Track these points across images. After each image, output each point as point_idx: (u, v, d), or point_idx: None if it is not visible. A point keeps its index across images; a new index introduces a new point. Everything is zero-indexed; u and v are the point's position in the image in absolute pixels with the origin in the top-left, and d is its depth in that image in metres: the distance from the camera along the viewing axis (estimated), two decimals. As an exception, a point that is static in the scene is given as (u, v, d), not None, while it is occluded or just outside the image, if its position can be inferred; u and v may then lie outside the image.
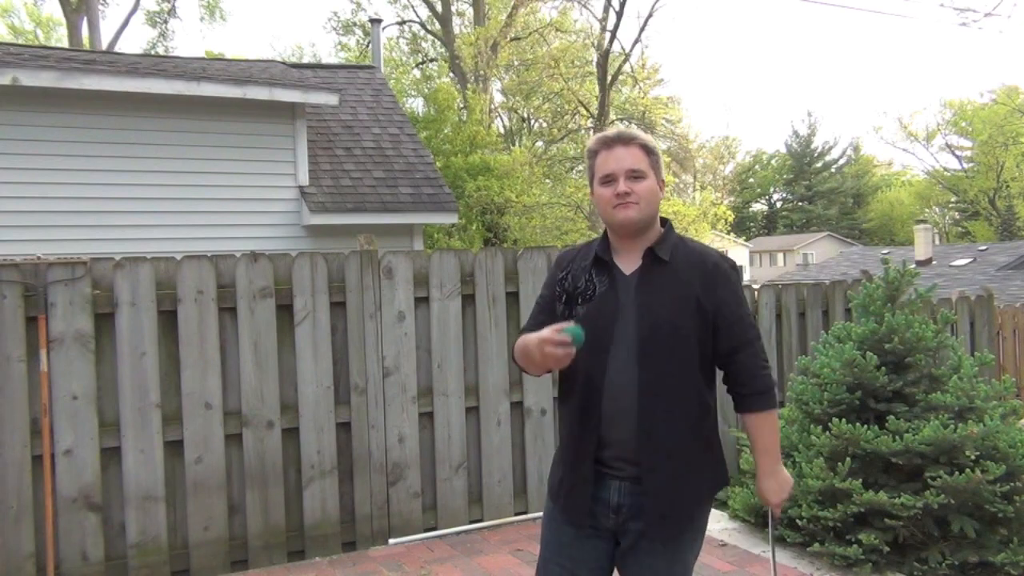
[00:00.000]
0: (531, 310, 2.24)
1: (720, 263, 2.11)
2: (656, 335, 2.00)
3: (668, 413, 2.01)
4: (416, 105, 23.84)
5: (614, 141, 2.07)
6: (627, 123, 30.58)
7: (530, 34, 28.32)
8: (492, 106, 26.15)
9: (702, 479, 2.09)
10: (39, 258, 3.90)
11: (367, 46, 27.43)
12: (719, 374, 2.16)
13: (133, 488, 3.94)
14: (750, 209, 65.73)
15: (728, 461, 5.36)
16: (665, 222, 2.14)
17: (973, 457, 3.83)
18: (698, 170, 40.91)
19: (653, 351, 2.00)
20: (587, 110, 28.24)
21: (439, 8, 26.90)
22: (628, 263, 2.08)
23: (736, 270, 2.16)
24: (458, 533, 4.61)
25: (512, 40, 26.91)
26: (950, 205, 53.91)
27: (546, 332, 1.86)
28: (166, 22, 28.00)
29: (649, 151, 2.08)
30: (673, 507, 2.02)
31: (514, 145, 29.53)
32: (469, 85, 23.05)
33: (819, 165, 61.75)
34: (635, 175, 2.04)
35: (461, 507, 4.69)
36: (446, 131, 18.85)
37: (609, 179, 2.05)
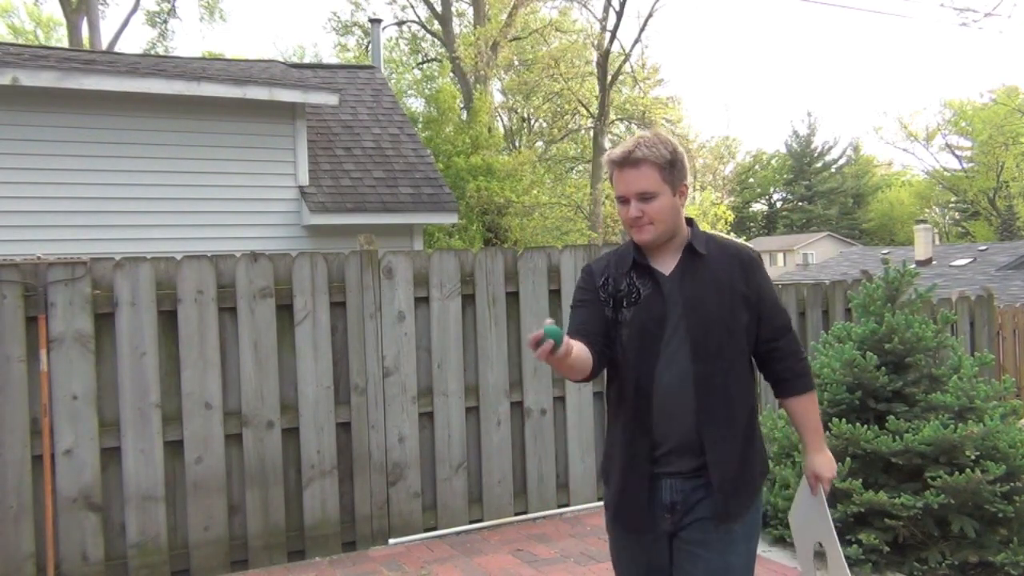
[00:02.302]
0: (570, 317, 2.16)
1: (752, 252, 2.19)
2: (707, 329, 2.04)
3: (725, 405, 2.04)
4: (416, 105, 23.84)
5: (624, 163, 2.05)
6: (627, 123, 30.60)
7: (530, 34, 28.33)
8: (492, 106, 26.12)
9: (755, 466, 2.14)
10: (39, 258, 3.90)
11: (367, 46, 27.44)
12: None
13: (133, 488, 3.94)
14: (750, 209, 65.71)
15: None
16: (691, 221, 2.17)
17: (973, 457, 3.83)
18: (698, 170, 40.96)
19: (705, 345, 2.03)
20: (587, 110, 28.25)
21: (439, 8, 26.90)
22: (664, 264, 2.10)
23: (760, 259, 2.24)
24: (458, 533, 4.62)
25: (512, 40, 26.91)
26: (950, 205, 53.91)
27: (539, 356, 1.78)
28: (166, 22, 28.00)
29: (660, 167, 2.03)
30: (736, 490, 2.06)
31: (514, 145, 29.55)
32: (477, 87, 23.04)
33: (819, 165, 61.72)
34: (645, 197, 2.03)
35: (461, 507, 4.69)
36: (448, 131, 18.84)
37: (622, 200, 2.07)
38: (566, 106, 29.51)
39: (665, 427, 2.03)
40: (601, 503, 5.04)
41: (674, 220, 2.08)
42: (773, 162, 64.41)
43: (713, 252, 2.11)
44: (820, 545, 2.36)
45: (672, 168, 2.06)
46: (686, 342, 2.03)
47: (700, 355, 2.02)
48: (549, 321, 1.75)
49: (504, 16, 26.51)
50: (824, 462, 2.24)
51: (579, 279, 2.21)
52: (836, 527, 3.96)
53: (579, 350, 1.90)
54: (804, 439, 2.24)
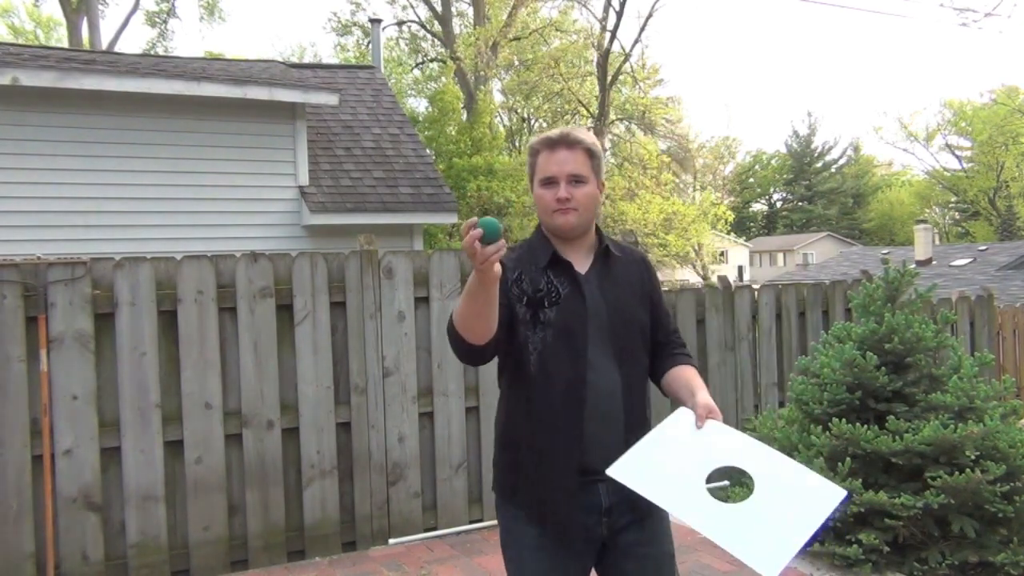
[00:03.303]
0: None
1: (647, 256, 2.24)
2: (628, 332, 2.04)
3: (644, 406, 2.07)
4: (417, 105, 23.84)
5: (557, 143, 2.00)
6: (627, 123, 30.61)
7: (530, 34, 28.31)
8: (494, 108, 26.13)
9: None
10: (39, 258, 3.90)
11: (366, 46, 27.43)
12: None
13: (133, 488, 3.94)
14: (750, 209, 65.74)
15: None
16: (595, 226, 2.14)
17: (973, 457, 3.83)
18: (698, 170, 40.91)
19: (629, 349, 2.03)
20: (587, 110, 28.25)
21: (439, 8, 26.89)
22: (579, 264, 2.05)
23: None
24: (458, 533, 4.61)
25: (512, 40, 26.90)
26: (950, 205, 53.91)
27: (463, 242, 1.62)
28: (166, 22, 28.01)
29: (592, 154, 2.02)
30: None
31: (515, 145, 29.55)
32: (480, 89, 23.03)
33: (819, 165, 61.75)
34: (576, 180, 1.99)
35: (461, 507, 4.69)
36: (450, 131, 18.84)
37: (550, 182, 2.00)
38: (566, 106, 29.51)
39: (599, 432, 1.96)
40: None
41: (593, 212, 2.05)
42: (773, 162, 64.43)
43: (620, 255, 2.11)
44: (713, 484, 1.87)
45: (599, 160, 2.05)
46: (610, 345, 2.00)
47: (624, 358, 2.01)
48: (474, 219, 1.61)
49: (504, 16, 26.52)
50: (708, 397, 2.05)
51: None
52: (834, 526, 3.98)
53: (495, 307, 1.80)
54: (693, 386, 2.04)
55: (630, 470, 1.84)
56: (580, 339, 1.97)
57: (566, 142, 2.00)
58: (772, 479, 1.85)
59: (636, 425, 2.00)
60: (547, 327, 1.96)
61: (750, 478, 1.86)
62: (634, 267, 2.12)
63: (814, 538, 1.85)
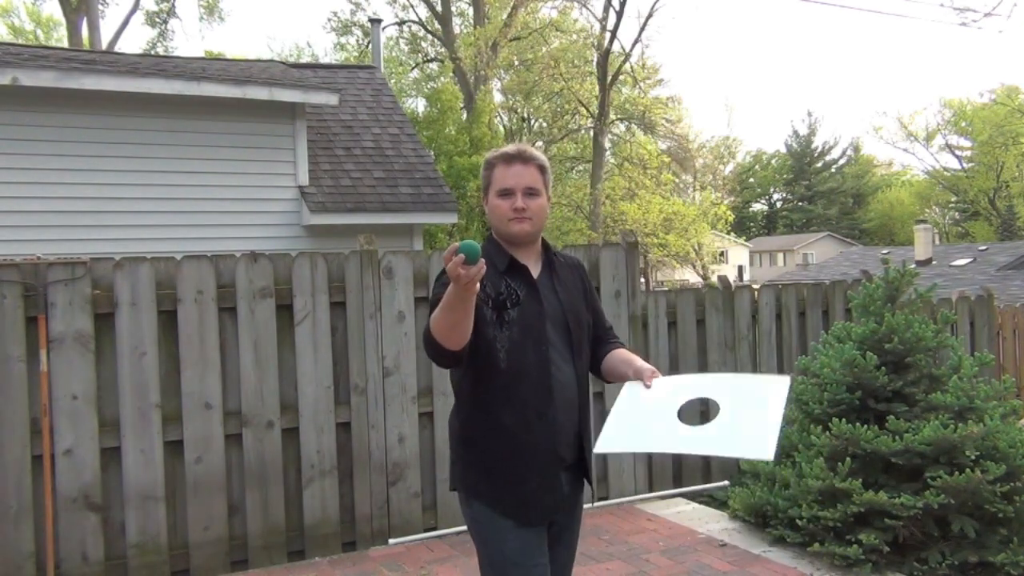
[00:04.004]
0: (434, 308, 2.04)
1: (581, 261, 2.45)
2: (580, 330, 2.24)
3: (588, 394, 2.28)
4: (417, 105, 23.84)
5: (514, 158, 2.19)
6: (627, 123, 30.60)
7: (530, 34, 28.31)
8: (493, 108, 26.12)
9: None
10: (39, 258, 3.90)
11: (366, 46, 27.41)
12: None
13: (133, 488, 3.94)
14: (750, 209, 65.75)
15: (727, 462, 5.39)
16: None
17: (973, 457, 3.83)
18: (698, 170, 40.93)
19: (579, 344, 2.23)
20: (587, 110, 28.25)
21: (439, 8, 26.88)
22: (530, 267, 2.24)
23: None
24: (458, 533, 4.61)
25: (512, 40, 26.90)
26: (950, 205, 53.91)
27: (447, 265, 1.76)
28: (165, 22, 27.99)
29: (544, 170, 2.23)
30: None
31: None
32: (480, 88, 23.03)
33: (819, 165, 61.77)
34: (531, 192, 2.18)
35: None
36: (449, 131, 18.83)
37: (507, 193, 2.17)
38: (566, 106, 29.52)
39: (563, 420, 2.16)
40: (602, 503, 5.05)
41: (544, 221, 2.25)
42: (773, 162, 64.44)
43: (563, 261, 2.32)
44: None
45: (549, 176, 2.27)
46: (564, 341, 2.19)
47: (578, 354, 2.22)
48: (468, 242, 1.76)
49: (504, 16, 26.50)
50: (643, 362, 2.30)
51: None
52: (834, 526, 3.98)
53: (472, 316, 1.93)
54: (631, 359, 2.26)
55: (613, 441, 2.06)
56: (541, 336, 2.16)
57: (522, 158, 2.19)
58: (730, 393, 2.11)
59: (586, 412, 2.24)
60: (512, 326, 2.13)
61: (713, 401, 2.10)
62: (575, 271, 2.34)
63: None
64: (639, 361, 2.23)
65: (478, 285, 1.83)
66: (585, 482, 2.30)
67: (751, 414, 2.00)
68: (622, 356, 2.29)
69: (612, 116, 28.36)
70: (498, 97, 29.84)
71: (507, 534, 2.14)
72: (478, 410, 2.17)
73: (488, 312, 2.12)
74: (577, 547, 2.36)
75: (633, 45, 28.11)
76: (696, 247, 32.32)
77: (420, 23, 29.35)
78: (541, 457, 2.14)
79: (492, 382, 2.12)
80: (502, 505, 2.14)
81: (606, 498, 5.09)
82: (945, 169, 50.86)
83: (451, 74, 24.24)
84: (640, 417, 2.07)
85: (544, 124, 32.29)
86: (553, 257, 2.28)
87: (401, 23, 29.59)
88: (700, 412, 2.44)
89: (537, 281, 2.21)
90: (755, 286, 6.30)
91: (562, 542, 2.28)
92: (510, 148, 2.23)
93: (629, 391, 2.15)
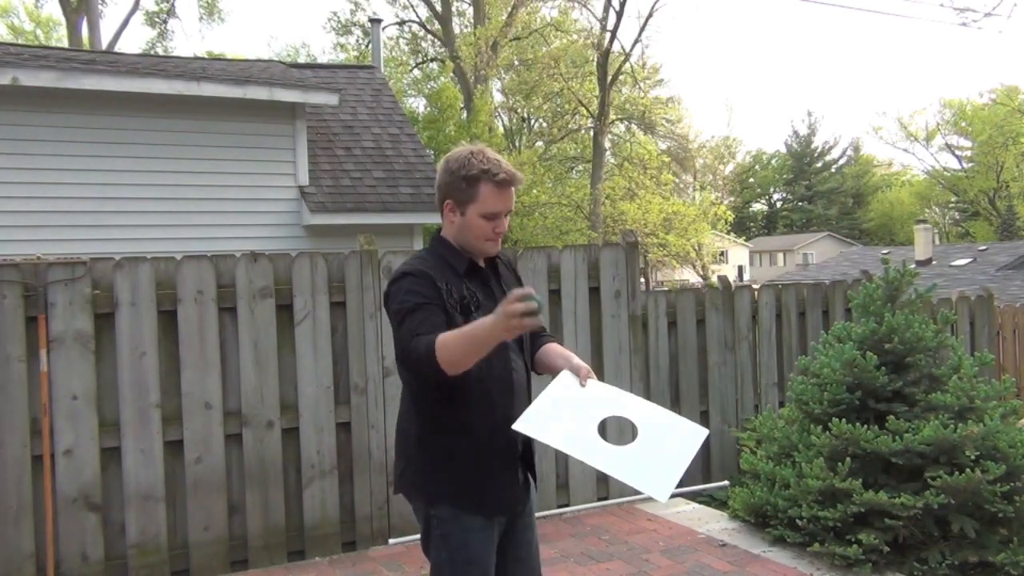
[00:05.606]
0: (413, 317, 2.08)
1: (510, 258, 2.49)
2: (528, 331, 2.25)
3: (531, 392, 2.32)
4: (417, 105, 23.84)
5: (511, 182, 2.16)
6: (627, 123, 30.59)
7: (530, 34, 28.31)
8: (492, 106, 26.12)
9: None
10: (39, 258, 3.90)
11: (366, 46, 27.41)
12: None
13: (133, 488, 3.94)
14: (750, 209, 65.75)
15: (727, 462, 5.39)
16: None
17: (973, 457, 3.83)
18: (698, 170, 40.97)
19: (523, 340, 2.30)
20: (587, 110, 28.24)
21: (439, 8, 26.88)
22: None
23: None
24: (458, 533, 4.61)
25: (512, 40, 26.90)
26: (950, 205, 53.91)
27: (511, 307, 1.84)
28: (165, 22, 27.99)
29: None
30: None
31: (514, 145, 29.54)
32: (478, 87, 23.03)
33: (819, 165, 61.76)
34: (508, 213, 2.23)
35: (461, 507, 4.68)
36: (448, 130, 18.84)
37: (494, 216, 2.17)
38: (566, 106, 29.50)
39: (517, 417, 2.17)
40: (602, 503, 5.05)
41: None
42: (773, 162, 64.44)
43: (501, 259, 2.37)
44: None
45: None
46: (517, 340, 2.24)
47: (524, 351, 2.30)
48: (529, 290, 1.87)
49: (504, 16, 26.51)
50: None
51: (415, 283, 2.13)
52: (834, 526, 3.98)
53: None
54: (566, 354, 2.32)
55: (533, 423, 2.10)
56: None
57: (516, 183, 2.18)
58: (650, 424, 2.20)
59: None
60: None
61: (633, 424, 2.19)
62: (509, 267, 2.40)
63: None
64: (575, 358, 2.28)
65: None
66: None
67: (663, 453, 2.11)
68: (559, 351, 2.33)
69: (612, 116, 28.35)
70: (498, 97, 29.88)
71: (472, 534, 2.17)
72: (444, 411, 2.17)
73: (458, 317, 2.13)
74: (554, 542, 2.40)
75: (633, 45, 28.12)
76: (696, 247, 32.30)
77: (420, 23, 29.37)
78: (506, 453, 2.23)
79: (462, 384, 2.09)
80: (471, 503, 2.17)
81: (606, 498, 5.09)
82: (945, 169, 50.88)
83: (451, 74, 24.21)
84: (565, 412, 2.14)
85: (544, 124, 32.28)
86: (500, 258, 2.33)
87: (401, 23, 29.62)
88: (618, 427, 2.41)
89: (489, 284, 2.26)
90: (755, 286, 6.30)
91: (530, 532, 2.39)
92: (502, 170, 2.13)
93: (565, 381, 2.21)
